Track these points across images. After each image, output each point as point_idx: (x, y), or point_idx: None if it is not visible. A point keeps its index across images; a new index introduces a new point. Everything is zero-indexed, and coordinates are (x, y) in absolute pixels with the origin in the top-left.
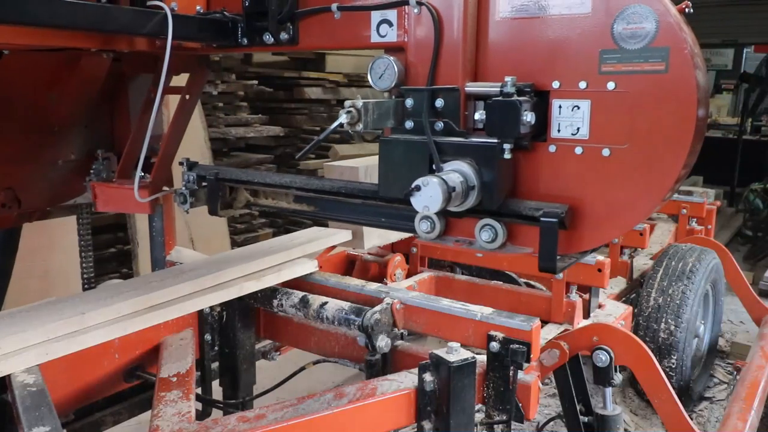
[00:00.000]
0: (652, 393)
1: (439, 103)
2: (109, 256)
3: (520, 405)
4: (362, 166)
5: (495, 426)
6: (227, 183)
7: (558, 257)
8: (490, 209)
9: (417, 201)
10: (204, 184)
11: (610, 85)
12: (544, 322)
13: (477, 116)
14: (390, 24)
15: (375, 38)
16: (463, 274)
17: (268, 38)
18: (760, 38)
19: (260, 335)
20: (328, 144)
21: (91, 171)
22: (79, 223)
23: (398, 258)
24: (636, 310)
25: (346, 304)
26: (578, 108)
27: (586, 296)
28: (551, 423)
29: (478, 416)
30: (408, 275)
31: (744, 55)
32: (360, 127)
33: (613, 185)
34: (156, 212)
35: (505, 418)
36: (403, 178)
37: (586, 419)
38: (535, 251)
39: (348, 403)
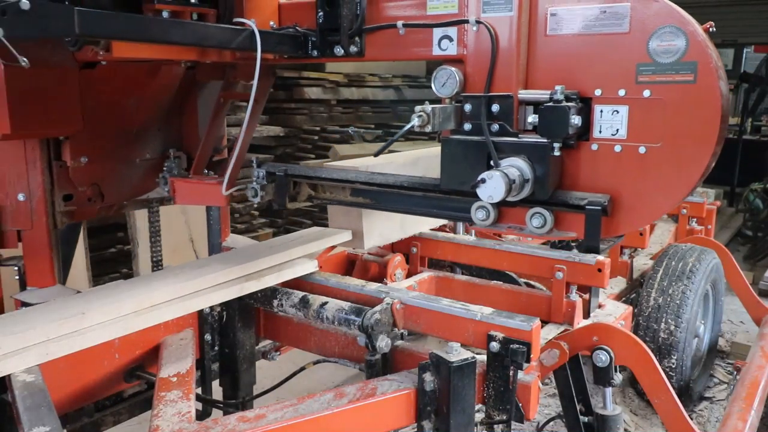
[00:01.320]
0: (652, 393)
1: (495, 108)
2: (109, 257)
3: (520, 405)
4: (362, 166)
5: (495, 426)
6: (294, 178)
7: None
8: (542, 199)
9: (482, 191)
10: (272, 180)
11: (646, 93)
12: (544, 322)
13: (530, 119)
14: (450, 39)
15: (436, 51)
16: (463, 274)
17: (339, 50)
18: (760, 38)
19: (260, 335)
20: (328, 144)
21: (164, 168)
22: (151, 214)
23: (398, 258)
24: (636, 310)
25: (346, 304)
26: (617, 112)
27: (586, 296)
28: (551, 423)
29: (478, 416)
30: (408, 275)
31: (744, 55)
32: (429, 128)
33: (647, 178)
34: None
35: (505, 418)
36: (463, 173)
37: (586, 419)
38: (579, 235)
39: (348, 403)
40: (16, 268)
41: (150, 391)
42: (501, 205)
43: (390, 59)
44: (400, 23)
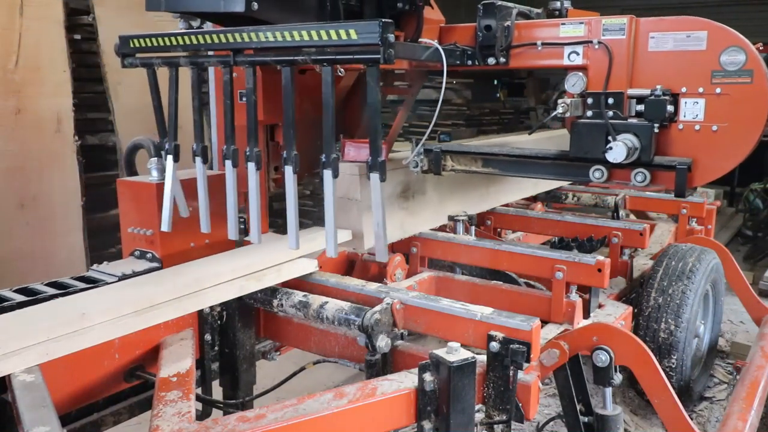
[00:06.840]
0: (652, 393)
1: (610, 101)
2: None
3: (520, 405)
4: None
5: (495, 426)
6: (444, 153)
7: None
8: (645, 161)
9: (610, 154)
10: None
11: (717, 90)
12: (544, 322)
13: (636, 108)
14: (577, 53)
15: (566, 62)
16: (463, 274)
17: (491, 60)
18: (760, 38)
19: (260, 335)
20: None
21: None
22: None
23: (398, 258)
24: (636, 310)
25: (346, 304)
26: (697, 103)
27: (586, 296)
28: (551, 423)
29: (478, 416)
30: (408, 275)
31: None
32: (567, 114)
33: (717, 147)
34: None
35: (505, 418)
36: (587, 145)
37: (586, 419)
38: (668, 186)
39: (348, 403)
40: (242, 218)
41: (150, 391)
42: (611, 167)
43: (528, 68)
44: (539, 42)
